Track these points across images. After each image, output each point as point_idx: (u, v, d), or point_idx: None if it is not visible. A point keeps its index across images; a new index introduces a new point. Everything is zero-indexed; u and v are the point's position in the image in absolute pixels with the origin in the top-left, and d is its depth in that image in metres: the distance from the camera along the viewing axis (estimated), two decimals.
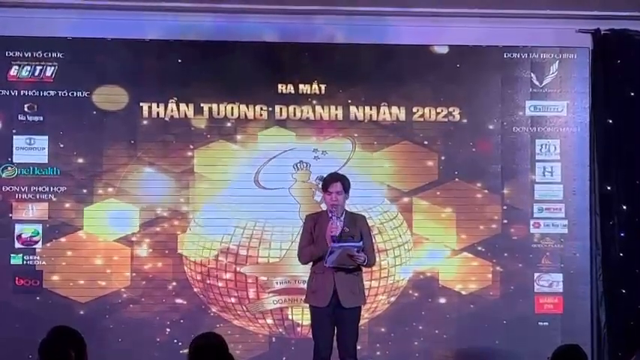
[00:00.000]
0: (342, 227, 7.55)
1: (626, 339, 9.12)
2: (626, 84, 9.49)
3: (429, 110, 9.44)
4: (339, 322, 7.59)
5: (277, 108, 9.34)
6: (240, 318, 9.24)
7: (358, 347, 7.84)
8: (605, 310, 9.31)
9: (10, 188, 9.11)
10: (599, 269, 9.37)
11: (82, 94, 9.20)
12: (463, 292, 9.38)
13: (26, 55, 9.16)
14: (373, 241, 8.16)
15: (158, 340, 9.16)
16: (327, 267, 7.49)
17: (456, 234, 9.40)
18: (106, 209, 9.20)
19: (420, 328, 9.35)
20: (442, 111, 9.45)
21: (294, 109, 9.36)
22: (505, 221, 9.43)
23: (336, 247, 7.42)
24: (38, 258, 9.11)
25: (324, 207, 7.87)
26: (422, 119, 9.43)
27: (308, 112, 9.37)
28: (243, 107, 9.32)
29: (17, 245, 9.09)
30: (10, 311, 9.03)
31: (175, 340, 9.00)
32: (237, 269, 9.22)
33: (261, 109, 9.33)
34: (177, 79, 9.27)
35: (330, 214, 7.62)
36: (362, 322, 8.16)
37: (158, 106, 9.27)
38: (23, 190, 9.12)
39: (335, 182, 7.62)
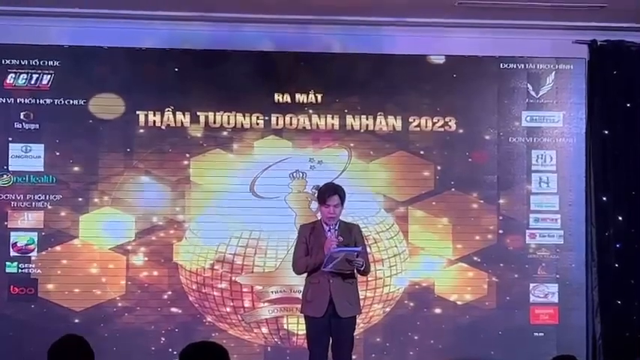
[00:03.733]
0: (337, 237, 7.52)
1: (622, 350, 9.12)
2: (623, 95, 9.51)
3: (426, 120, 9.44)
4: (335, 331, 7.57)
5: (273, 117, 9.35)
6: (236, 327, 9.23)
7: (353, 357, 7.83)
8: (601, 320, 9.30)
9: (6, 196, 9.10)
10: (594, 280, 9.37)
11: (78, 102, 9.20)
12: (459, 303, 9.38)
13: (23, 63, 9.17)
14: (368, 250, 8.17)
15: (153, 348, 9.14)
16: (323, 277, 7.48)
17: (451, 244, 9.40)
18: (102, 218, 9.20)
19: (416, 338, 9.34)
20: (438, 121, 9.45)
21: (291, 118, 9.36)
22: (501, 231, 9.43)
23: (335, 252, 7.40)
24: (33, 266, 9.10)
25: (319, 216, 7.85)
26: (418, 129, 9.44)
27: (304, 122, 9.37)
28: (239, 116, 9.33)
29: (12, 253, 9.08)
30: (4, 320, 9.02)
31: (170, 349, 8.97)
32: (233, 278, 9.22)
33: (258, 118, 9.33)
34: (174, 88, 9.28)
35: (327, 227, 7.61)
36: (357, 331, 8.12)
37: (154, 115, 9.27)
38: (19, 198, 9.11)
39: (333, 195, 7.59)
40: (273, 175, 9.31)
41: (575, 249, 9.45)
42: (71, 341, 5.11)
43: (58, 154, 9.18)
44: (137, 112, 9.26)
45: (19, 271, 9.08)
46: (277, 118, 9.35)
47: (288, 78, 9.39)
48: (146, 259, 9.20)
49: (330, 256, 7.40)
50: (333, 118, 9.40)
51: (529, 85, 9.52)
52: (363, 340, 9.17)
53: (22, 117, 9.15)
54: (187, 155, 9.29)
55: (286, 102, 9.37)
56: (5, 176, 9.11)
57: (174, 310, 9.21)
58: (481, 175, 9.46)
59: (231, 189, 9.29)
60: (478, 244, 9.41)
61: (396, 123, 9.43)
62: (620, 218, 9.42)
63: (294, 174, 9.32)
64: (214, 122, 9.31)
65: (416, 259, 9.38)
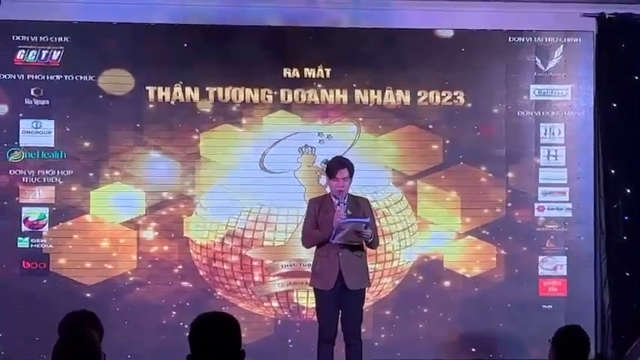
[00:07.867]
0: (346, 211, 7.54)
1: (630, 322, 9.17)
2: (631, 68, 9.49)
3: (434, 94, 9.46)
4: (344, 304, 7.61)
5: (283, 92, 9.37)
6: (246, 301, 9.29)
7: (363, 330, 7.86)
8: (609, 293, 9.33)
9: (17, 172, 9.16)
10: (603, 252, 9.39)
11: (88, 78, 9.24)
12: (467, 276, 9.42)
13: (33, 40, 9.20)
14: (377, 224, 8.19)
15: (164, 322, 9.21)
16: (332, 250, 7.51)
17: (460, 217, 9.43)
18: (113, 193, 9.25)
19: (425, 311, 9.39)
20: (447, 95, 9.47)
21: (300, 93, 9.38)
22: (509, 205, 9.45)
23: (344, 223, 7.43)
24: (45, 241, 9.16)
25: (328, 190, 7.87)
26: (427, 103, 9.45)
27: (313, 96, 9.40)
28: (248, 91, 9.35)
29: (24, 229, 9.15)
30: (17, 294, 9.09)
31: (181, 323, 9.01)
32: (243, 252, 9.27)
33: (267, 93, 9.36)
34: (183, 63, 9.30)
35: (336, 201, 7.62)
36: (367, 304, 8.19)
37: (164, 90, 9.30)
38: (30, 173, 9.17)
39: (342, 168, 7.60)
40: (283, 150, 9.34)
41: (583, 222, 9.47)
42: (82, 317, 5.18)
43: (68, 129, 9.23)
44: (147, 88, 9.29)
45: (31, 246, 9.14)
46: (286, 93, 9.38)
47: (296, 53, 9.41)
48: (157, 233, 9.26)
49: (338, 228, 7.42)
50: (341, 92, 9.41)
51: (537, 59, 9.52)
52: (373, 313, 9.21)
53: (32, 93, 9.19)
54: (197, 130, 9.32)
55: (295, 77, 9.38)
56: (16, 152, 9.16)
57: (184, 284, 9.27)
58: (489, 148, 9.48)
59: (241, 164, 9.33)
60: (487, 218, 9.45)
61: (405, 97, 9.44)
62: (628, 191, 9.43)
63: (303, 149, 9.35)
64: (223, 97, 9.34)
65: (425, 233, 9.42)
